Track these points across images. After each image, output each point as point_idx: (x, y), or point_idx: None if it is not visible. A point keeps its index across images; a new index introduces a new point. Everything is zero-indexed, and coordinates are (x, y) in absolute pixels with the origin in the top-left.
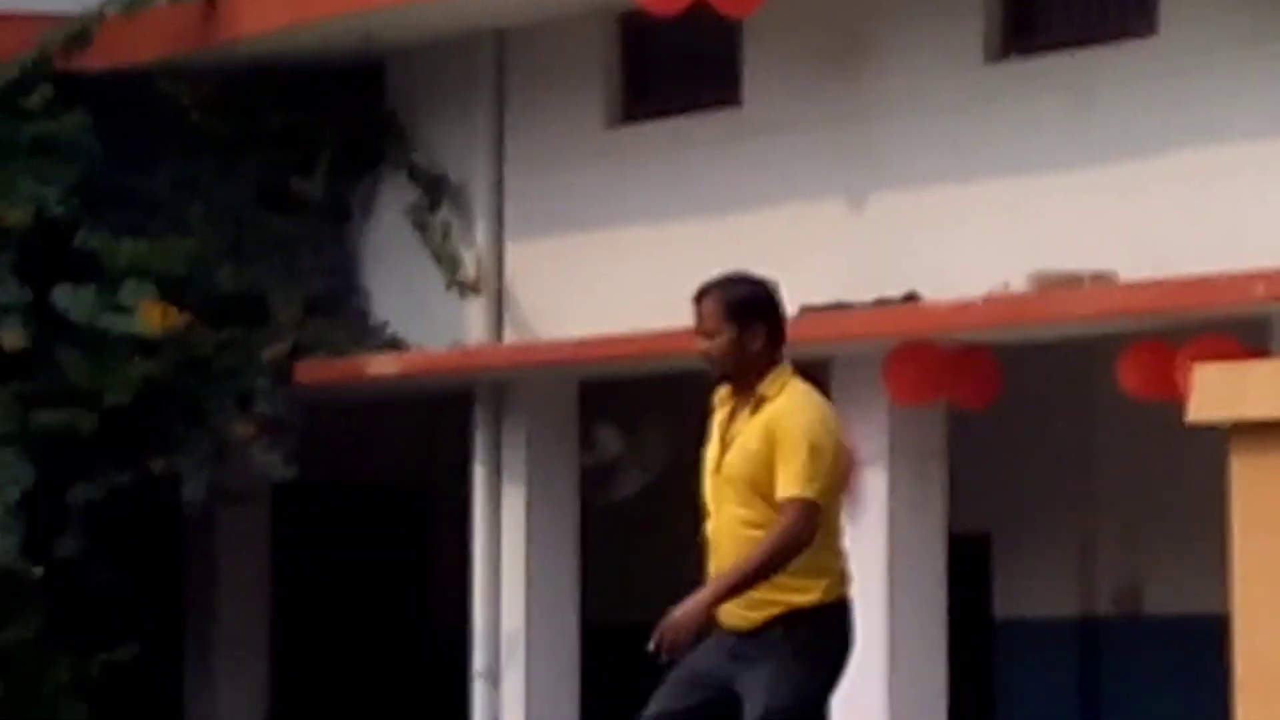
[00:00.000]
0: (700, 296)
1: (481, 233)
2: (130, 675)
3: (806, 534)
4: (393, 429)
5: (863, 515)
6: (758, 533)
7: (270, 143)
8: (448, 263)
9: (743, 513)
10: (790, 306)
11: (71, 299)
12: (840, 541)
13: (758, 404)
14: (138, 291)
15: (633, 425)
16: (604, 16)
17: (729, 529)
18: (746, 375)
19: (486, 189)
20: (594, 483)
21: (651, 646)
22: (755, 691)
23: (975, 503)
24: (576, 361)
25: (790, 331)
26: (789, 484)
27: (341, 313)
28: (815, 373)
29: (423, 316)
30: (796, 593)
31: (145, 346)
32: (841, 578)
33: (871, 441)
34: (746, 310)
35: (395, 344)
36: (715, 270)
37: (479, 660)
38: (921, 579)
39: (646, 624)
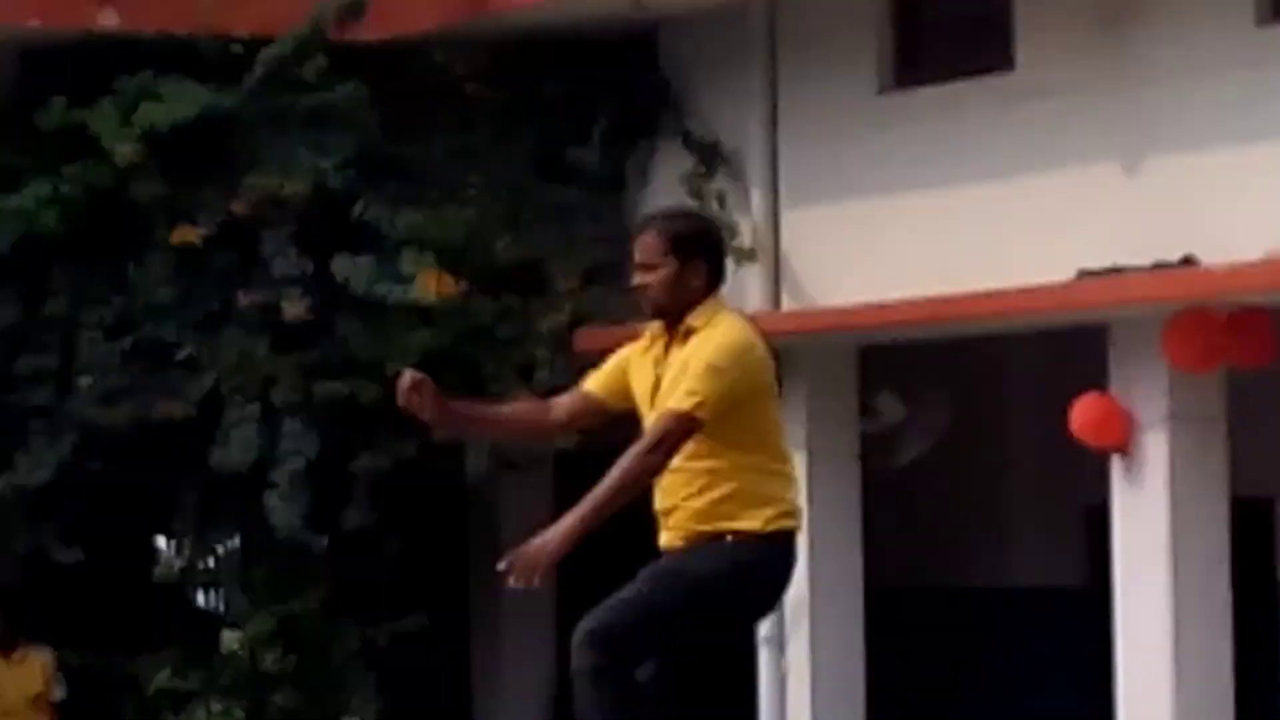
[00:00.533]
0: (641, 230)
1: (757, 200)
2: (418, 645)
3: (668, 442)
4: None
5: (1144, 481)
6: (701, 464)
7: (545, 112)
8: (724, 230)
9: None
10: (1068, 271)
11: (350, 269)
12: (787, 468)
13: (685, 336)
14: (417, 261)
15: (913, 390)
16: None
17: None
18: (683, 311)
19: (761, 156)
20: (875, 448)
21: (501, 568)
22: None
23: (1258, 466)
24: (855, 328)
25: (1067, 296)
26: (674, 399)
27: (619, 281)
28: (1093, 337)
29: None
30: (737, 520)
31: (425, 316)
32: (788, 510)
33: (1152, 406)
34: (690, 245)
35: None
36: (993, 235)
37: (764, 627)
38: (1205, 544)
39: (930, 589)
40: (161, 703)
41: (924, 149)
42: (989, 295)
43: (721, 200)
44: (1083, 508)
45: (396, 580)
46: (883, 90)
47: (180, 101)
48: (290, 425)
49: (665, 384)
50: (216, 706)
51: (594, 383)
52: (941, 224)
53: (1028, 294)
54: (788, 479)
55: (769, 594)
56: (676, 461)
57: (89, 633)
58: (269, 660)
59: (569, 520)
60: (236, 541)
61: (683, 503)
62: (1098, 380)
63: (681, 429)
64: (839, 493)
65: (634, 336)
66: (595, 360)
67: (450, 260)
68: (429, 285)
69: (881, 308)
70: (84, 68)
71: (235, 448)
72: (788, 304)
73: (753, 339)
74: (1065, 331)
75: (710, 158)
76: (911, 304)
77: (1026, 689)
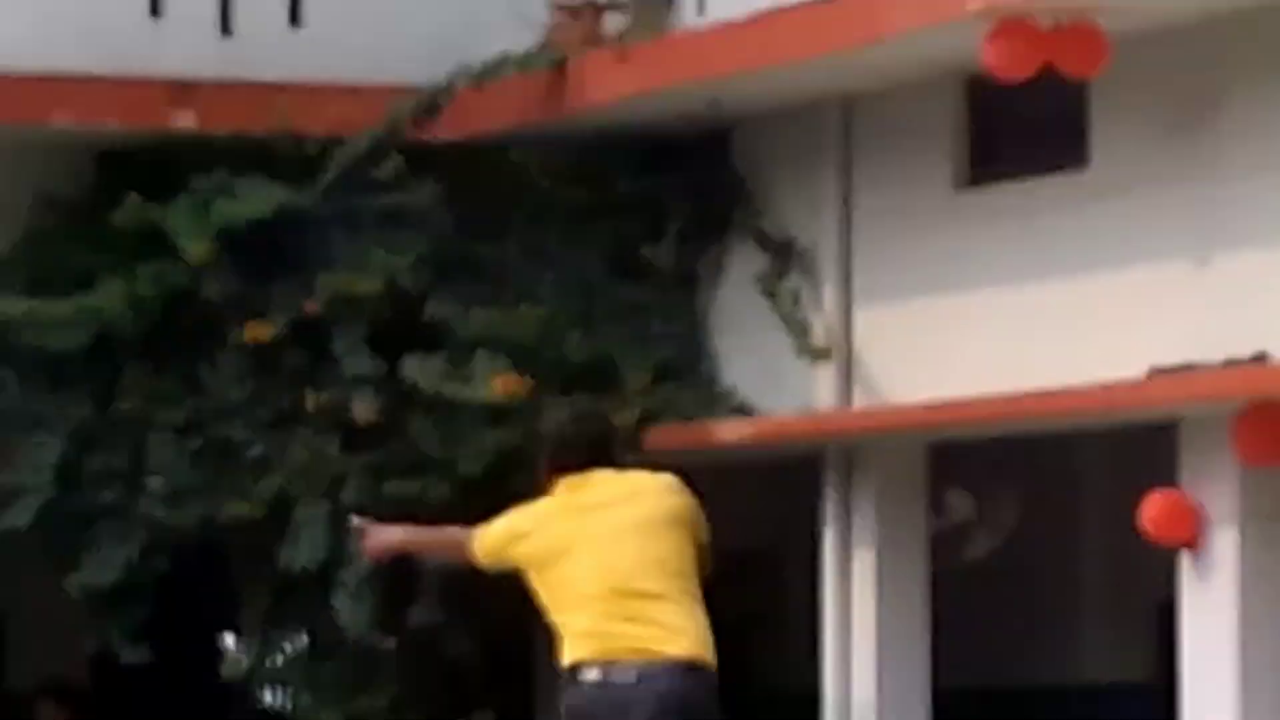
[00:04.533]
0: None
1: (829, 298)
2: None
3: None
4: (742, 495)
5: (1214, 578)
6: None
7: (619, 210)
8: (796, 329)
9: None
10: (1139, 368)
11: (420, 370)
12: (573, 617)
13: None
14: (489, 363)
15: (982, 488)
16: (950, 80)
17: None
18: None
19: (834, 254)
20: (944, 546)
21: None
22: None
23: None
24: (926, 426)
25: (1139, 394)
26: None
27: (691, 379)
28: (1164, 434)
29: (772, 382)
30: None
31: (496, 416)
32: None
33: (1222, 503)
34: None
35: (744, 410)
36: (1065, 333)
37: None
38: (1274, 642)
39: (998, 689)
40: None
41: (998, 247)
42: (1060, 393)
43: (795, 298)
44: (1152, 604)
45: (463, 677)
46: (957, 188)
47: (255, 200)
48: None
49: None
50: None
51: None
52: (1014, 322)
53: (1099, 392)
54: (576, 622)
55: None
56: None
57: None
58: None
59: (404, 535)
60: (304, 640)
61: None
62: (1168, 476)
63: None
64: (907, 589)
65: (704, 434)
66: (665, 458)
67: (521, 359)
68: (497, 386)
69: (952, 406)
70: (160, 167)
71: (304, 547)
72: (859, 401)
73: (528, 515)
74: (1136, 428)
75: (784, 256)
76: (982, 402)
77: None
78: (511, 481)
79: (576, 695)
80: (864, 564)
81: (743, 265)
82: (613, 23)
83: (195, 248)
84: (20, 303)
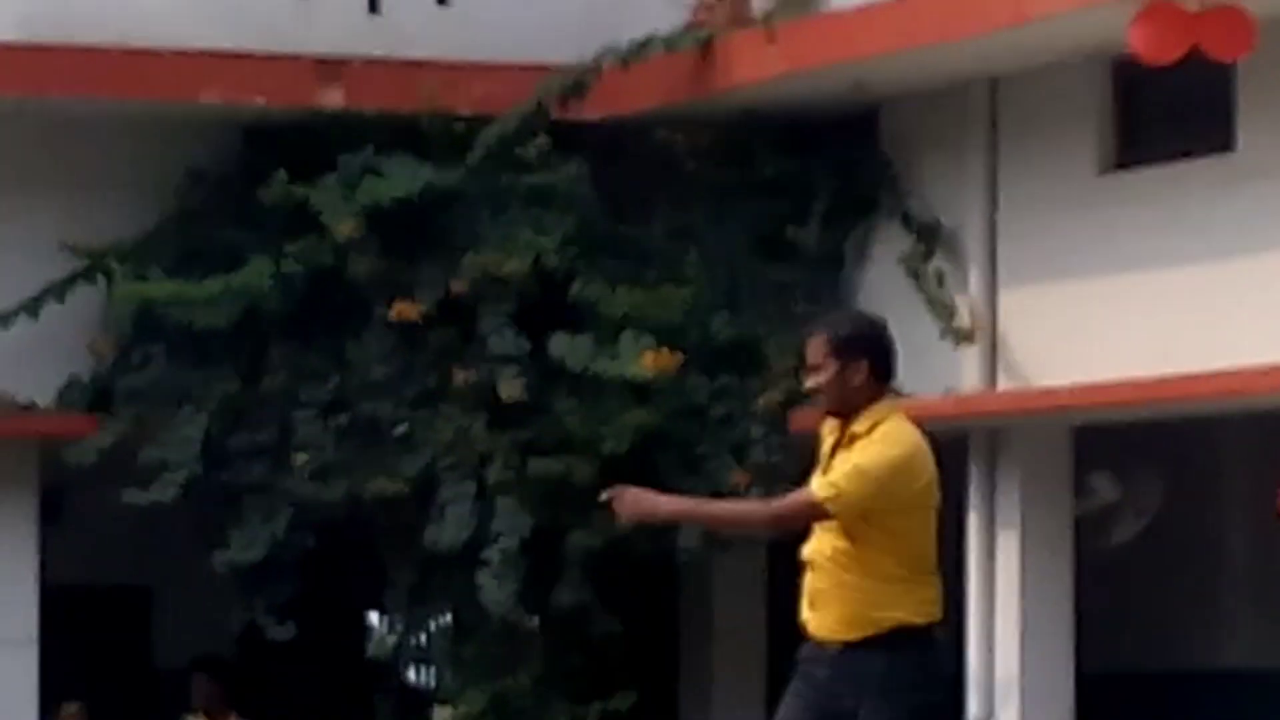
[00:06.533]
0: (809, 334)
1: (975, 280)
2: None
3: (790, 520)
4: None
5: None
6: (843, 562)
7: (765, 191)
8: (941, 310)
9: (834, 541)
10: None
11: (568, 348)
12: (913, 575)
13: (850, 440)
14: (635, 342)
15: (1127, 471)
16: (1096, 63)
17: (823, 555)
18: (848, 410)
19: (979, 236)
20: (1089, 529)
21: (606, 495)
22: None
23: None
24: (1071, 408)
25: None
26: (819, 484)
27: None
28: None
29: (916, 364)
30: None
31: (640, 395)
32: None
33: None
34: (849, 346)
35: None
36: (1210, 316)
37: (974, 705)
38: None
39: (1142, 673)
40: None
41: (1143, 229)
42: (1206, 377)
43: (940, 279)
44: None
45: (607, 658)
46: (1103, 170)
47: (402, 179)
48: (504, 503)
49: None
50: None
51: None
52: (1159, 305)
53: (1244, 375)
54: (912, 585)
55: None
56: (828, 554)
57: (302, 708)
58: None
59: (680, 506)
60: (448, 618)
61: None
62: None
63: (809, 514)
64: (1052, 573)
65: None
66: (810, 441)
67: (667, 339)
68: (648, 360)
69: (1098, 388)
70: (307, 145)
71: (449, 526)
72: (1004, 383)
73: (909, 452)
74: None
75: (929, 237)
76: (1128, 385)
77: None
78: (656, 460)
79: (939, 659)
80: (1008, 546)
81: (888, 246)
82: (759, 3)
83: (342, 225)
84: (167, 284)
